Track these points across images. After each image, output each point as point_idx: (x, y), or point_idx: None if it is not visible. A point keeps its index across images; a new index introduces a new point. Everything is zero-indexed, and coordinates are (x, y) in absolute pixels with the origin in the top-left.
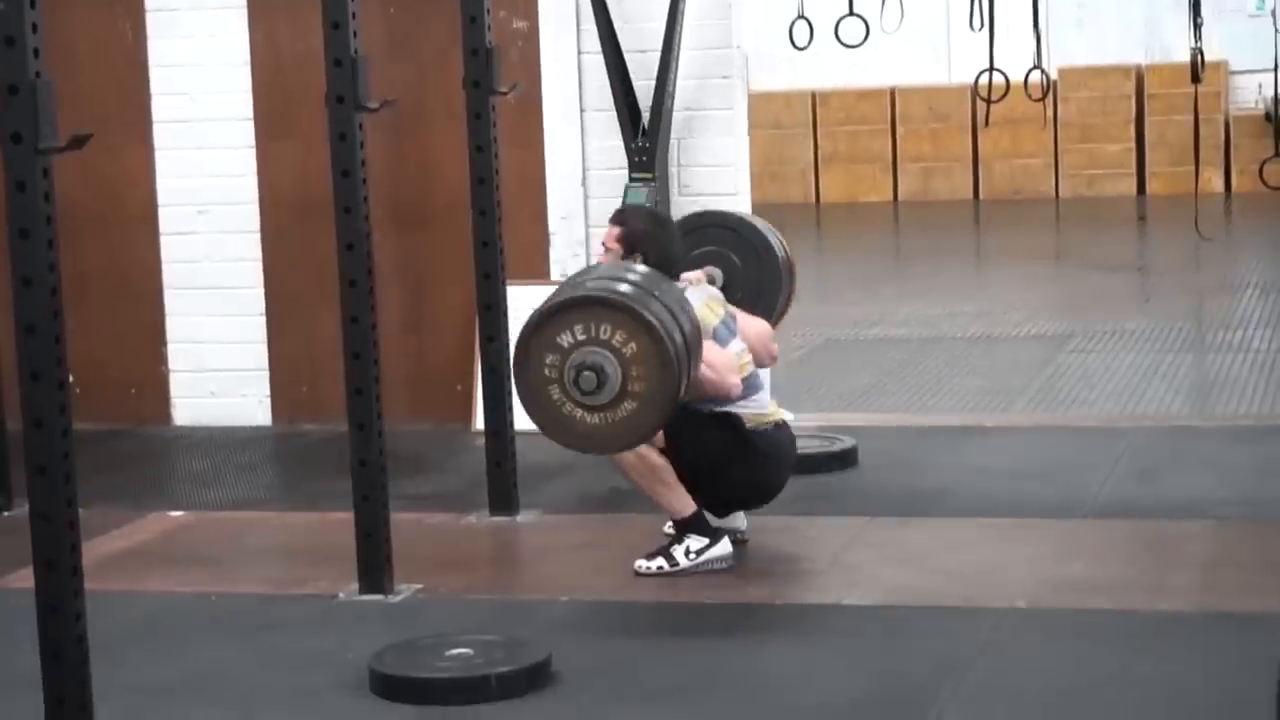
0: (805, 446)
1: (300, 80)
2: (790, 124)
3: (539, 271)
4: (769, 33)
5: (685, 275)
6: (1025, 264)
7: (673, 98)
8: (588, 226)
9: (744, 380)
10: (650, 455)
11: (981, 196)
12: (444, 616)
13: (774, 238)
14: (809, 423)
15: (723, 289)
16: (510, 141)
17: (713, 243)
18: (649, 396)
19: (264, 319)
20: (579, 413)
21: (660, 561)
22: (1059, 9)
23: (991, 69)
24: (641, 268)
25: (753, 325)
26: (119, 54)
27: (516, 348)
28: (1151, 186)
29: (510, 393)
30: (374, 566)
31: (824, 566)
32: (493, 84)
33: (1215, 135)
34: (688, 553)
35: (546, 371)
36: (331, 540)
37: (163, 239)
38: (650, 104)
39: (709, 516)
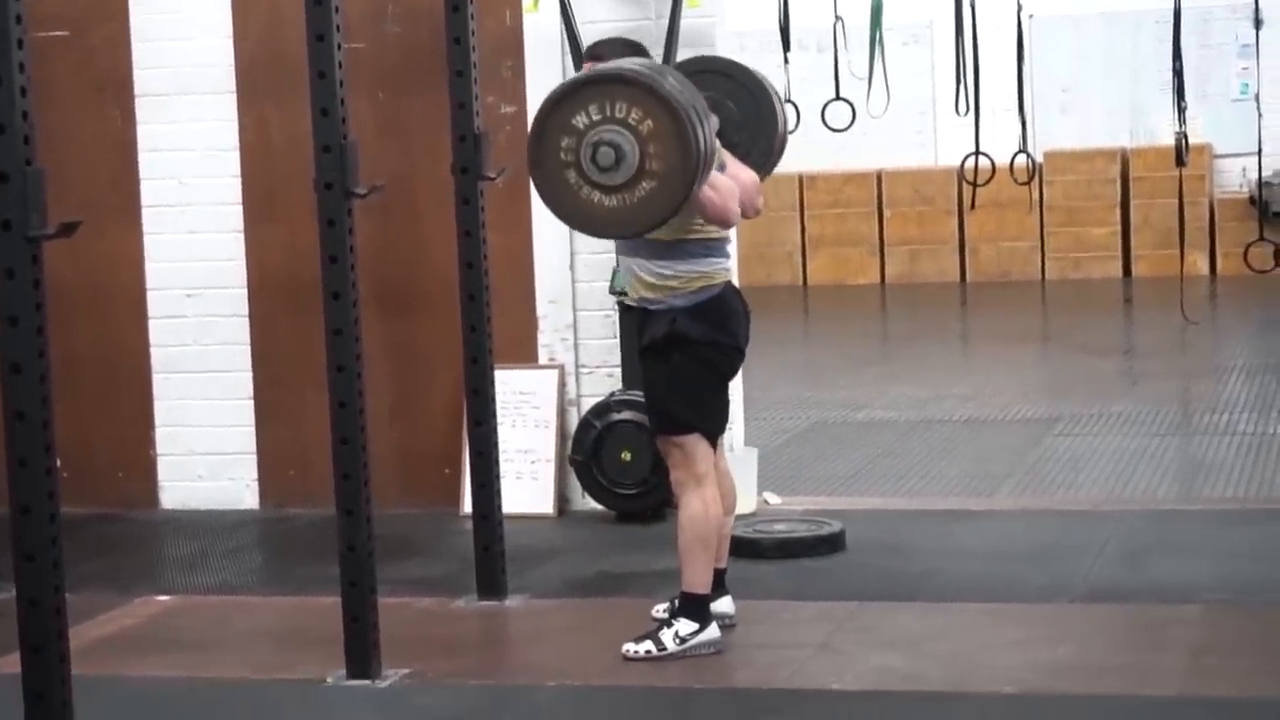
0: (792, 530)
1: (289, 165)
2: (777, 207)
3: (527, 355)
4: None
5: None
6: (1012, 347)
7: None
8: (575, 310)
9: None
10: (716, 507)
11: (968, 279)
12: (431, 701)
13: (779, 104)
14: (796, 506)
15: (719, 134)
16: (498, 225)
17: (709, 88)
18: (667, 175)
19: (252, 403)
20: (596, 195)
21: (648, 645)
22: (1044, 93)
23: (977, 153)
24: (657, 63)
25: (742, 173)
26: (109, 139)
27: (531, 135)
28: (1137, 269)
29: (499, 477)
30: (361, 651)
31: (812, 651)
32: (481, 169)
33: (1200, 218)
34: (676, 637)
35: (563, 155)
36: (319, 625)
37: (151, 322)
38: None
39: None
